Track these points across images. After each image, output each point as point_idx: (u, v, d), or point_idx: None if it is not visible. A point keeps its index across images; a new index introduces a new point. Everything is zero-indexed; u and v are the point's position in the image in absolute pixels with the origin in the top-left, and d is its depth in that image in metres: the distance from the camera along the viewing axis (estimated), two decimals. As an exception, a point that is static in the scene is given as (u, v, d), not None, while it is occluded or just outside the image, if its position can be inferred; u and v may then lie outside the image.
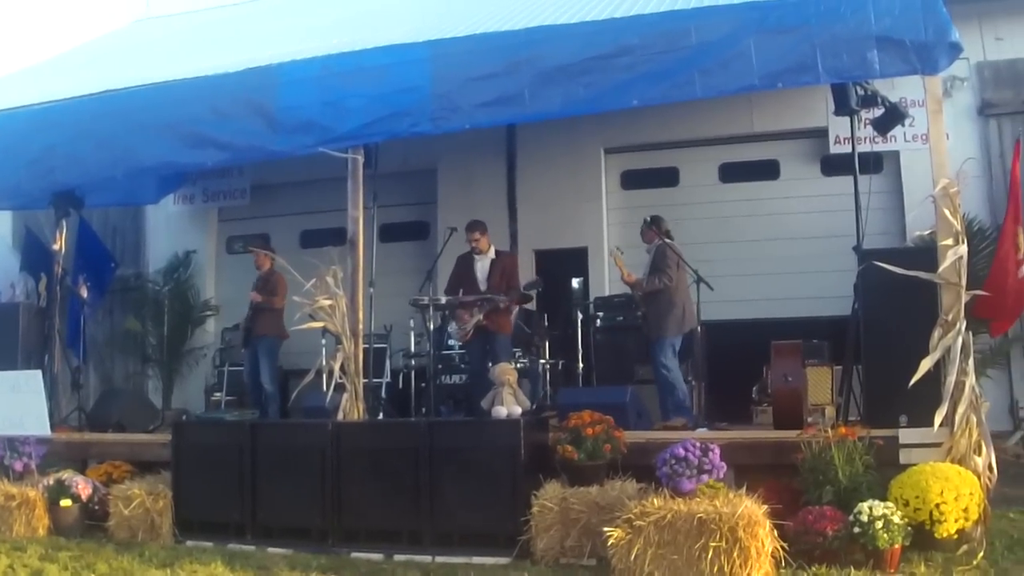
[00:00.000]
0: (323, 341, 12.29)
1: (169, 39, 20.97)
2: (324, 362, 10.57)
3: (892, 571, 7.05)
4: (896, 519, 7.08)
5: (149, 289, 16.26)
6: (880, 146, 11.96)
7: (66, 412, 12.87)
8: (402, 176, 14.28)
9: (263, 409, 12.75)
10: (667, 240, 11.12)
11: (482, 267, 11.53)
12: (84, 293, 13.47)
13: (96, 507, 9.85)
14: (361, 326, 10.20)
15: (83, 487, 9.85)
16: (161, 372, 15.94)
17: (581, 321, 13.06)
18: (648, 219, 11.34)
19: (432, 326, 11.16)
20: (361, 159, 10.37)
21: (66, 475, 10.05)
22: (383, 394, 13.03)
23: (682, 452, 7.48)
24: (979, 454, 7.86)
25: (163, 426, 12.19)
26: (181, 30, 21.80)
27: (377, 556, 8.52)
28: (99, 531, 9.66)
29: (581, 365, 12.90)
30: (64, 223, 13.19)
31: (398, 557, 8.45)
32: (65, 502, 9.72)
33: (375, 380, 12.38)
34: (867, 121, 10.91)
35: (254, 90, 10.60)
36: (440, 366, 12.57)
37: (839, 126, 12.10)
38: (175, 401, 15.71)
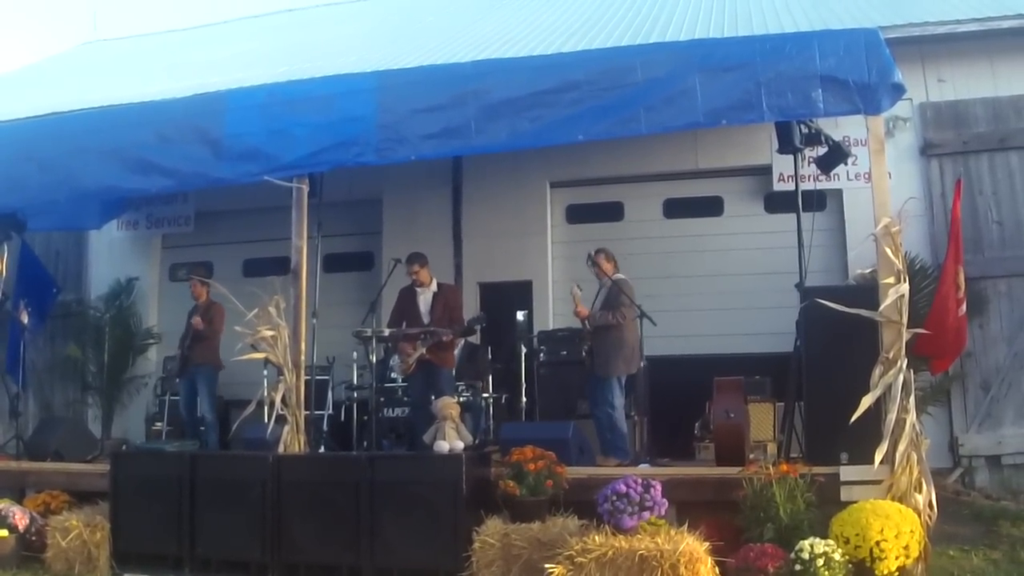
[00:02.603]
0: (264, 372, 12.16)
1: (116, 63, 20.92)
2: (265, 393, 10.45)
3: (832, 609, 7.07)
4: (837, 557, 7.09)
5: (90, 315, 15.98)
6: (823, 184, 12.03)
7: (4, 440, 12.78)
8: (347, 206, 14.18)
9: (202, 439, 12.59)
10: (622, 276, 11.09)
11: (424, 300, 11.41)
12: (25, 318, 13.27)
13: (33, 538, 9.70)
14: (303, 357, 10.12)
15: (20, 517, 9.70)
16: (101, 400, 15.66)
17: (525, 355, 12.98)
18: (602, 251, 11.18)
19: (375, 358, 11.04)
20: (306, 188, 10.32)
21: (3, 505, 9.88)
22: (324, 427, 12.90)
23: (624, 488, 7.47)
24: (919, 491, 7.92)
25: (102, 455, 12.07)
26: (128, 54, 21.75)
27: (316, 591, 8.44)
28: (36, 562, 9.53)
29: (524, 399, 12.81)
30: (5, 247, 13.03)
31: (337, 592, 8.37)
32: (1, 532, 9.56)
33: (317, 412, 12.30)
34: (811, 159, 11.03)
35: (200, 116, 10.55)
36: (382, 399, 12.48)
37: (783, 164, 12.13)
38: (115, 430, 15.44)
